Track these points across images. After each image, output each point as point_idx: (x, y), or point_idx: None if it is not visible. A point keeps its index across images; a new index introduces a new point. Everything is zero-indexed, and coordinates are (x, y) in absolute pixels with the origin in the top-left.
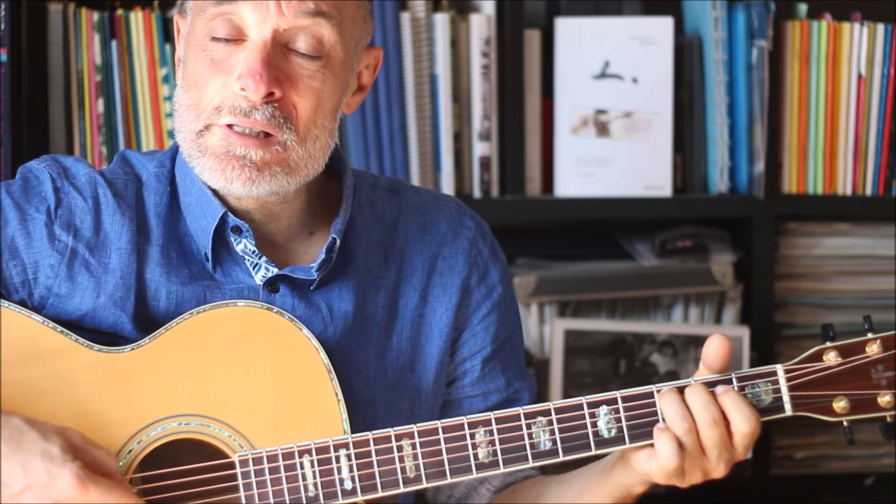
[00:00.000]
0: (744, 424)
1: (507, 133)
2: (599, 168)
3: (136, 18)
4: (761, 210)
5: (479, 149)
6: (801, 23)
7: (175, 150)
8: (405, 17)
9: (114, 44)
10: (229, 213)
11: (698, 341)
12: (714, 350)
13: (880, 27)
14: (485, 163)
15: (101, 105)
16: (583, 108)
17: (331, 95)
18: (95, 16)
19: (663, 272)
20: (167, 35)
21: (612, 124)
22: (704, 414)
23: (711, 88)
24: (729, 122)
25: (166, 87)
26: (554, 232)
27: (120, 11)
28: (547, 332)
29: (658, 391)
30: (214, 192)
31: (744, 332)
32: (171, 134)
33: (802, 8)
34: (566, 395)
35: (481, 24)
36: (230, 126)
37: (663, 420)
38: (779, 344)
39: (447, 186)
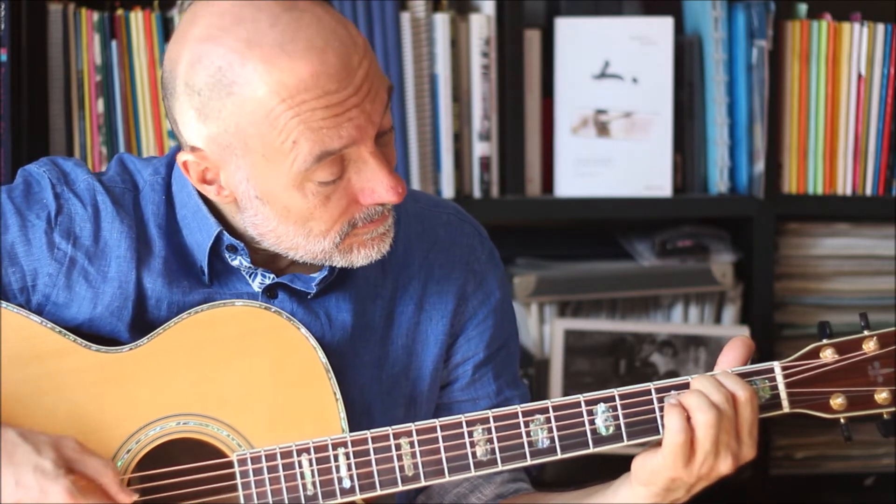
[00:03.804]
0: (741, 391)
1: (507, 133)
2: (599, 168)
3: (136, 18)
4: (761, 210)
5: (479, 149)
6: (801, 23)
7: (172, 157)
8: (405, 17)
9: (114, 44)
10: (224, 233)
11: (698, 341)
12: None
13: (880, 27)
14: (485, 163)
15: (101, 105)
16: (583, 108)
17: None
18: (95, 16)
19: (663, 272)
20: (167, 35)
21: (612, 124)
22: (714, 393)
23: (711, 88)
24: (729, 122)
25: None
26: (554, 232)
27: (120, 11)
28: (547, 332)
29: (655, 389)
30: (210, 207)
31: (744, 332)
32: (171, 134)
33: (802, 8)
34: (566, 396)
35: (481, 24)
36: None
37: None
38: (779, 344)
39: (447, 186)
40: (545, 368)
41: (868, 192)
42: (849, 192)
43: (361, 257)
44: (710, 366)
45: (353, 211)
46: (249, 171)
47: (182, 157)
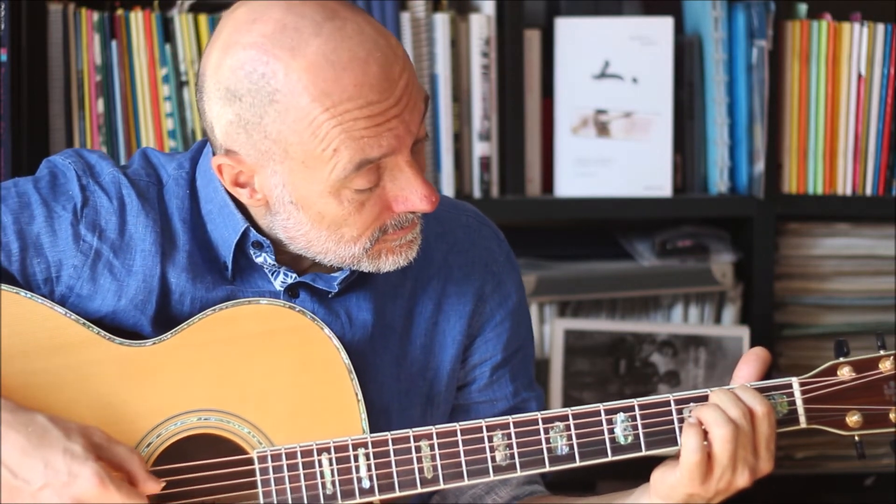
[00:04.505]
0: (758, 406)
1: (507, 133)
2: (599, 168)
3: (136, 18)
4: (761, 210)
5: (479, 149)
6: (801, 23)
7: (196, 152)
8: (405, 17)
9: (114, 44)
10: (251, 229)
11: (698, 341)
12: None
13: (880, 27)
14: (485, 163)
15: (101, 105)
16: (583, 108)
17: None
18: (95, 16)
19: (663, 272)
20: (167, 35)
21: (612, 124)
22: (732, 408)
23: (711, 88)
24: (729, 122)
25: (166, 87)
26: (554, 232)
27: (120, 11)
28: (547, 332)
29: (674, 400)
30: (237, 204)
31: (744, 332)
32: (171, 134)
33: (802, 8)
34: (566, 396)
35: (481, 24)
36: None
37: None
38: (779, 344)
39: (447, 186)
40: (545, 368)
41: (868, 192)
42: (849, 192)
43: (389, 263)
44: (710, 366)
45: (385, 217)
46: (286, 176)
47: (217, 160)
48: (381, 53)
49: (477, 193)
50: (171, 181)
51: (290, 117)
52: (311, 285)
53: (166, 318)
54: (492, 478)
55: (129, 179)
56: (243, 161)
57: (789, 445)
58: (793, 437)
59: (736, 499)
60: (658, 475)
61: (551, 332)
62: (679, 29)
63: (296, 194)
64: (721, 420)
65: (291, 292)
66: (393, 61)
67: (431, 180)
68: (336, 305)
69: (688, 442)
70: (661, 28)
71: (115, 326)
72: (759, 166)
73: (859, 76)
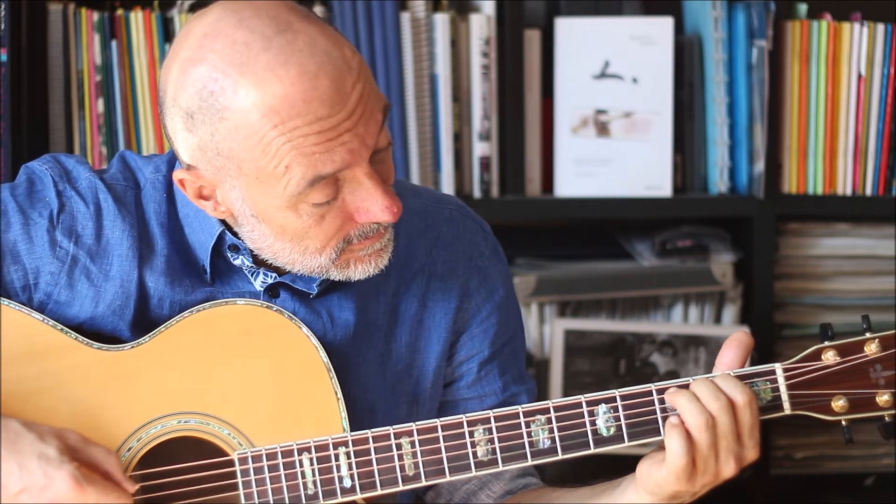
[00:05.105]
0: (739, 396)
1: (507, 133)
2: (599, 168)
3: (136, 18)
4: (761, 210)
5: (479, 149)
6: (801, 23)
7: (173, 155)
8: (405, 17)
9: (114, 44)
10: (227, 232)
11: (698, 341)
12: (735, 347)
13: (880, 27)
14: (485, 163)
15: (101, 105)
16: (583, 108)
17: None
18: (95, 16)
19: (663, 272)
20: (167, 35)
21: (612, 124)
22: (713, 401)
23: (711, 88)
24: (729, 122)
25: None
26: (554, 232)
27: (120, 11)
28: (547, 332)
29: (656, 390)
30: None
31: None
32: None
33: (802, 8)
34: (566, 396)
35: (481, 24)
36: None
37: (675, 415)
38: (779, 344)
39: (447, 186)
40: (545, 368)
41: (868, 192)
42: (849, 192)
43: (358, 272)
44: (710, 366)
45: (348, 228)
46: (244, 191)
47: (178, 174)
48: (332, 66)
49: (477, 193)
50: (149, 185)
51: (241, 134)
52: (290, 286)
53: (145, 322)
54: (473, 473)
55: (105, 184)
56: (202, 176)
57: (789, 445)
58: (793, 436)
59: (736, 499)
60: (644, 469)
61: (551, 332)
62: (679, 29)
63: (255, 208)
64: (696, 410)
65: (272, 292)
66: (346, 73)
67: (431, 180)
68: (318, 305)
69: (673, 444)
70: (661, 28)
71: (95, 332)
72: (759, 166)
73: (859, 76)
